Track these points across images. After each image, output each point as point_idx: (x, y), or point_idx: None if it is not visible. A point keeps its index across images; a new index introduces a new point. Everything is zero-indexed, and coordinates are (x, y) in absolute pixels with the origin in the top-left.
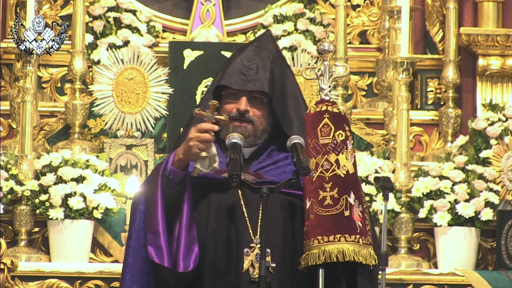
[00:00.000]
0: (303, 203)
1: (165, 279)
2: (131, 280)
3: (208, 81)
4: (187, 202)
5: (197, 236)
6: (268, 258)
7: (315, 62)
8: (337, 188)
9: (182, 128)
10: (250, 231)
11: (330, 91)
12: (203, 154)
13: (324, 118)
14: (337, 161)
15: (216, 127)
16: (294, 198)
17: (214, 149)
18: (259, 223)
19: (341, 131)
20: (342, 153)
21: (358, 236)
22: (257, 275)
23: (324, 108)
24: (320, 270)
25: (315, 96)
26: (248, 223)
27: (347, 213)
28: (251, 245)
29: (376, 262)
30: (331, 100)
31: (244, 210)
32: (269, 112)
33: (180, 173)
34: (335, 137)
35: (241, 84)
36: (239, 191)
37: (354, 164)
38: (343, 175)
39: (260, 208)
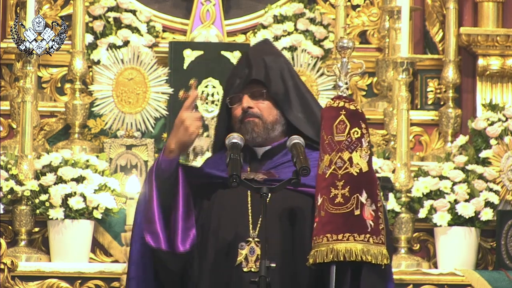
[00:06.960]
0: (314, 200)
1: (164, 263)
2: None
3: (208, 80)
4: (182, 191)
5: (195, 225)
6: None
7: (315, 63)
8: (348, 187)
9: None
10: (250, 226)
11: (347, 88)
12: (200, 131)
13: (340, 114)
14: (350, 159)
15: (196, 93)
16: (304, 195)
17: (202, 141)
18: (260, 220)
19: (357, 129)
20: (356, 151)
21: (368, 236)
22: (248, 270)
23: (341, 104)
24: (332, 267)
25: (316, 96)
26: (250, 219)
27: (357, 212)
28: (247, 239)
29: (389, 261)
30: (348, 97)
31: (249, 207)
32: (275, 103)
33: (172, 159)
34: (350, 134)
35: (238, 87)
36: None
37: (369, 162)
38: (355, 174)
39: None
